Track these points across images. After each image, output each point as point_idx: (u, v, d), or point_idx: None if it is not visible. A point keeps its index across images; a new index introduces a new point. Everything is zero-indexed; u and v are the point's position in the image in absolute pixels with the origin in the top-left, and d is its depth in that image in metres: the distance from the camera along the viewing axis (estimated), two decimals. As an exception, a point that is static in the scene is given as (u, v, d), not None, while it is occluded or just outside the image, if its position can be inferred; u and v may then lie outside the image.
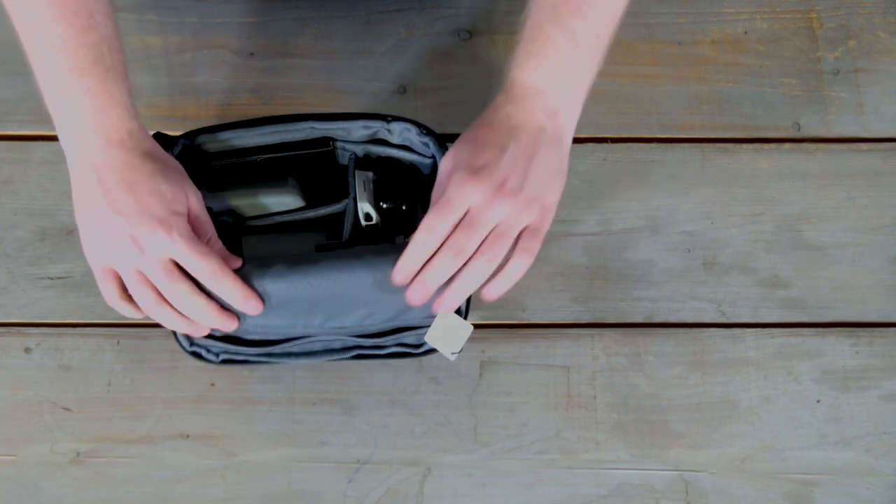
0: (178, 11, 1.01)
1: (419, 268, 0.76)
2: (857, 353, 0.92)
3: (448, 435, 0.88)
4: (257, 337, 0.80)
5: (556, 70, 0.78)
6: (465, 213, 0.75)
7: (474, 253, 0.76)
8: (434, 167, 0.86)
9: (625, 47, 1.02)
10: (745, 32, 1.03)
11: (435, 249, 0.76)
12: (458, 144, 0.78)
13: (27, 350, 0.90)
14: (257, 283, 0.76)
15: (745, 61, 1.02)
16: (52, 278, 0.92)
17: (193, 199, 0.77)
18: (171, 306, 0.75)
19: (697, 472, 0.88)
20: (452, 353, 0.80)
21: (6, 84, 0.99)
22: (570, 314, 0.92)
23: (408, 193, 0.86)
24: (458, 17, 1.02)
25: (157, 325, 0.90)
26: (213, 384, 0.89)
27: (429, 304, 0.77)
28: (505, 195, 0.75)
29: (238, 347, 0.81)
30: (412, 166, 0.87)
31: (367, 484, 0.87)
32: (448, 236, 0.75)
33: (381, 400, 0.89)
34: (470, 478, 0.87)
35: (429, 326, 0.80)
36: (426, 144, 0.85)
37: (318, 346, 0.82)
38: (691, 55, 1.02)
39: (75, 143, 0.75)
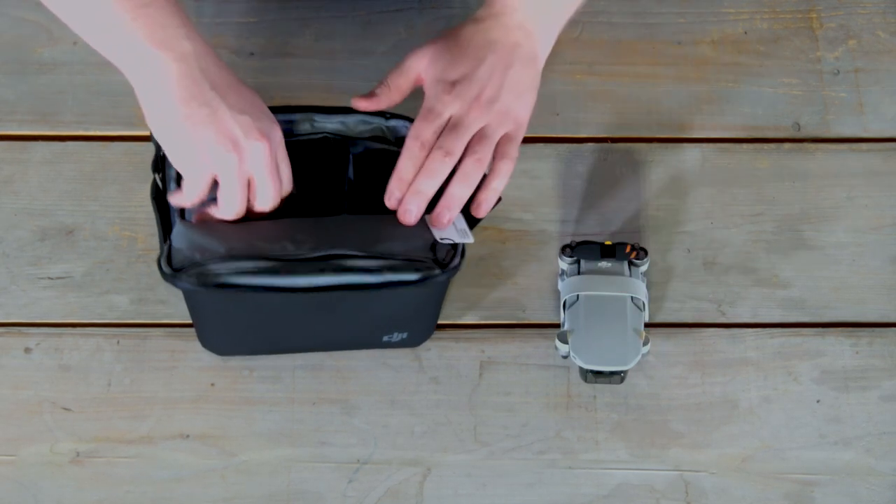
0: (178, 11, 1.01)
1: (412, 178, 0.78)
2: (857, 353, 0.92)
3: (448, 435, 0.88)
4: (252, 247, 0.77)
5: None
6: (448, 120, 0.79)
7: (462, 157, 0.78)
8: None
9: (625, 47, 1.02)
10: (745, 32, 1.03)
11: (424, 158, 0.78)
12: (433, 51, 0.81)
13: (27, 350, 0.90)
14: None
15: (745, 61, 1.02)
16: (52, 278, 0.92)
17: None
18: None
19: (697, 472, 0.88)
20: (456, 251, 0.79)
21: (6, 84, 0.99)
22: (570, 314, 0.92)
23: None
24: (458, 17, 1.02)
25: (156, 325, 0.91)
26: (213, 384, 0.89)
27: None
28: (482, 106, 0.78)
29: (222, 263, 0.76)
30: None
31: (367, 484, 0.87)
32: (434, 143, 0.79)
33: (381, 400, 0.89)
34: (470, 478, 0.87)
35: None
36: None
37: (302, 282, 0.77)
38: (691, 55, 1.02)
39: (160, 55, 0.73)
